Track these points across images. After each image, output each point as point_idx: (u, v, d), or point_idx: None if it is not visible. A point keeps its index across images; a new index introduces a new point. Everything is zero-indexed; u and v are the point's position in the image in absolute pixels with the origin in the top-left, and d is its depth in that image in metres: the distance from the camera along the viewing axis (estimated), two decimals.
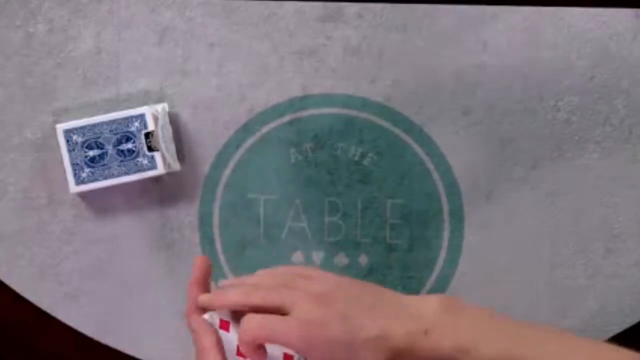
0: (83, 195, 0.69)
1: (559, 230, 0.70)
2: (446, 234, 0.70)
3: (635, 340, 0.70)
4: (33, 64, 0.69)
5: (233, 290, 0.50)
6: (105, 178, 0.67)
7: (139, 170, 0.67)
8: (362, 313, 0.48)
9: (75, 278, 0.70)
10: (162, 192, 0.70)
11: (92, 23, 0.69)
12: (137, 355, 0.70)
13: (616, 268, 0.70)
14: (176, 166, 0.68)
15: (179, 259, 0.70)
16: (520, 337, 0.48)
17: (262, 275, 0.52)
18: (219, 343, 0.50)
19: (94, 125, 0.67)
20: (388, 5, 0.69)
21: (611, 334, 0.70)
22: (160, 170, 0.67)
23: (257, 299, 0.49)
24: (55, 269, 0.70)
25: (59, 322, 0.70)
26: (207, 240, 0.70)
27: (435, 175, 0.70)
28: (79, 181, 0.67)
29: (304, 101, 0.69)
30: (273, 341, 0.48)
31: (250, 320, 0.48)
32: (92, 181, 0.67)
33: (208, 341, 0.49)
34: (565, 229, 0.70)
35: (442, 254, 0.70)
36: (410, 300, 0.50)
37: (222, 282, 0.54)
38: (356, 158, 0.69)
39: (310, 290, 0.49)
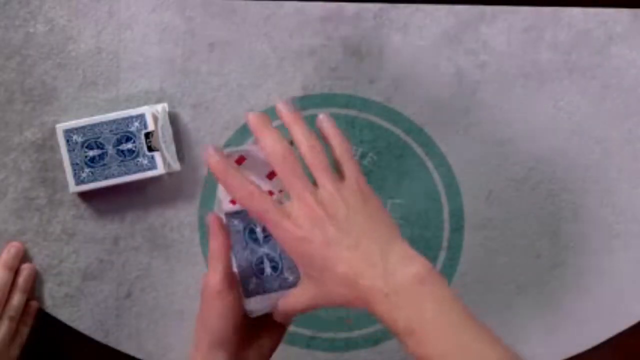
0: (83, 195, 0.69)
1: (559, 230, 0.70)
2: (446, 234, 0.70)
3: (636, 340, 0.70)
4: (33, 64, 0.69)
5: (275, 136, 0.52)
6: (105, 178, 0.67)
7: (139, 170, 0.67)
8: (345, 247, 0.49)
9: (75, 278, 0.70)
10: (162, 192, 0.70)
11: (92, 23, 0.69)
12: (137, 355, 0.70)
13: (616, 268, 0.70)
14: (176, 166, 0.68)
15: (179, 259, 0.70)
16: (462, 346, 0.46)
17: (303, 144, 0.53)
18: (226, 247, 0.54)
19: (94, 125, 0.67)
20: (388, 5, 0.69)
21: (611, 334, 0.70)
22: (160, 170, 0.67)
23: (280, 167, 0.51)
24: (55, 269, 0.70)
25: (59, 322, 0.70)
26: (207, 241, 0.70)
27: (435, 175, 0.70)
28: (79, 181, 0.67)
29: (304, 101, 0.69)
30: (259, 218, 0.51)
31: (254, 194, 0.50)
32: (92, 181, 0.67)
33: (216, 244, 0.54)
34: (565, 228, 0.70)
35: (442, 254, 0.70)
36: (398, 253, 0.49)
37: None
38: (356, 158, 0.69)
39: (319, 195, 0.50)
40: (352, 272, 0.49)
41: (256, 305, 0.55)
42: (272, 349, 0.57)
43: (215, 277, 0.54)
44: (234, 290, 0.54)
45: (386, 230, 0.51)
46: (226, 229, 0.55)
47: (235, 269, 0.56)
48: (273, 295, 0.55)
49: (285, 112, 0.54)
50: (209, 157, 0.52)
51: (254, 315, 0.55)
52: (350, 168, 0.53)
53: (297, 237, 0.50)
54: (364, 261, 0.49)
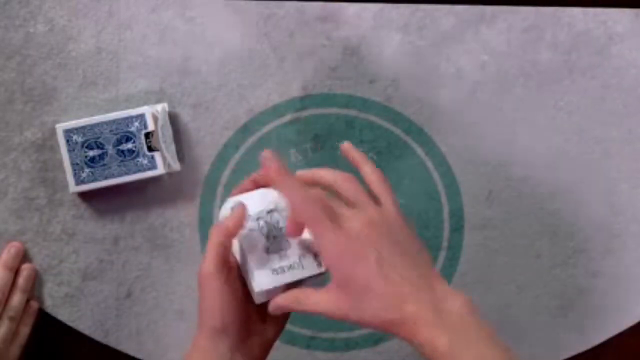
0: (83, 195, 0.69)
1: (559, 230, 0.70)
2: (446, 234, 0.70)
3: (636, 340, 0.70)
4: (33, 64, 0.69)
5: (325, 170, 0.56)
6: (105, 178, 0.67)
7: (139, 170, 0.67)
8: (393, 269, 0.49)
9: (75, 278, 0.70)
10: (162, 192, 0.70)
11: (92, 23, 0.69)
12: (137, 355, 0.70)
13: (616, 268, 0.70)
14: (176, 166, 0.68)
15: (179, 259, 0.70)
16: None
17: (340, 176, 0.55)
18: (221, 245, 0.54)
19: (94, 125, 0.67)
20: (388, 5, 0.69)
21: (611, 334, 0.70)
22: (160, 170, 0.67)
23: (340, 185, 0.54)
24: (55, 269, 0.70)
25: (59, 322, 0.70)
26: (207, 241, 0.70)
27: (435, 175, 0.70)
28: (79, 181, 0.67)
29: (304, 101, 0.69)
30: (309, 226, 0.52)
31: (312, 202, 0.52)
32: (92, 181, 0.67)
33: (214, 237, 0.55)
34: (565, 228, 0.70)
35: (442, 254, 0.70)
36: (441, 282, 0.50)
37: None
38: None
39: (369, 216, 0.51)
40: (399, 295, 0.48)
41: (263, 287, 0.55)
42: (275, 337, 0.57)
43: (207, 259, 0.54)
44: (229, 272, 0.55)
45: (425, 258, 0.52)
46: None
47: (240, 250, 0.56)
48: (282, 282, 0.55)
49: (297, 173, 0.56)
50: (268, 160, 0.53)
51: (259, 301, 0.55)
52: (387, 193, 0.54)
53: (346, 250, 0.50)
54: (411, 286, 0.49)
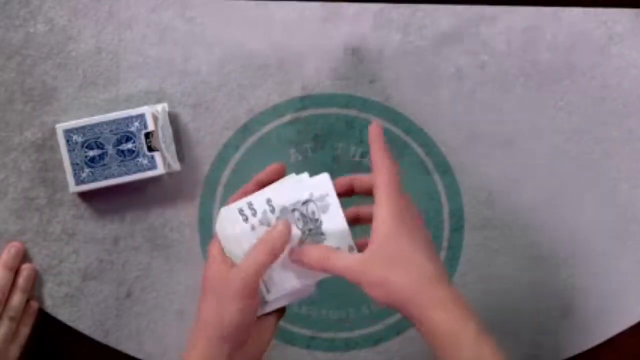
0: (83, 195, 0.69)
1: (559, 230, 0.70)
2: (446, 234, 0.70)
3: (636, 340, 0.70)
4: (33, 64, 0.69)
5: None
6: (105, 178, 0.67)
7: (139, 170, 0.67)
8: (422, 249, 0.53)
9: (75, 278, 0.70)
10: (162, 192, 0.70)
11: (92, 23, 0.69)
12: (137, 355, 0.70)
13: (616, 268, 0.70)
14: (176, 166, 0.68)
15: (179, 259, 0.70)
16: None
17: None
18: (263, 266, 0.54)
19: (94, 125, 0.67)
20: (388, 5, 0.69)
21: (612, 334, 0.70)
22: (160, 170, 0.67)
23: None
24: (55, 269, 0.70)
25: (59, 322, 0.70)
26: (207, 240, 0.70)
27: (435, 175, 0.70)
28: (79, 181, 0.67)
29: (304, 101, 0.69)
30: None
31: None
32: (92, 181, 0.67)
33: (258, 256, 0.54)
34: (565, 228, 0.70)
35: (442, 254, 0.70)
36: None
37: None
38: (356, 158, 0.69)
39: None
40: (424, 278, 0.52)
41: (276, 298, 0.56)
42: (270, 340, 0.58)
43: (243, 279, 0.53)
44: (256, 292, 0.55)
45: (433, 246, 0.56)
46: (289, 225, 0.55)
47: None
48: (315, 279, 0.56)
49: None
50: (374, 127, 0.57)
51: (267, 311, 0.56)
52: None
53: (405, 224, 0.53)
54: (434, 273, 0.52)
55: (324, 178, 0.55)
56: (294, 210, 0.55)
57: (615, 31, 0.69)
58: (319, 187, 0.55)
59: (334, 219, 0.55)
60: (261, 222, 0.55)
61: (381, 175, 0.54)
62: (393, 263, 0.52)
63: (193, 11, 0.69)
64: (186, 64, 0.69)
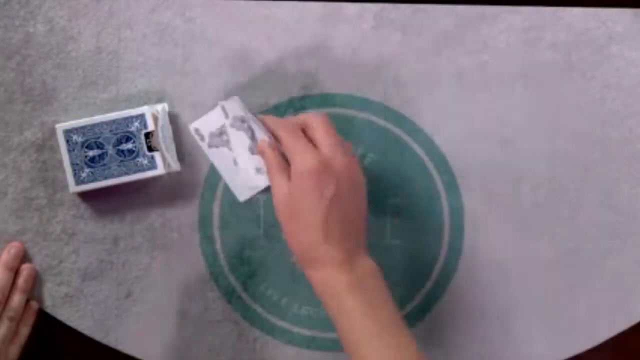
0: (83, 195, 0.69)
1: (558, 230, 0.70)
2: (446, 234, 0.70)
3: (636, 340, 0.70)
4: (33, 64, 0.69)
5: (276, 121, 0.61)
6: (105, 178, 0.67)
7: (139, 170, 0.67)
8: (341, 217, 0.57)
9: (75, 278, 0.70)
10: (162, 192, 0.70)
11: (92, 23, 0.69)
12: (137, 355, 0.70)
13: (616, 268, 0.70)
14: (176, 166, 0.68)
15: (179, 259, 0.70)
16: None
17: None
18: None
19: (94, 125, 0.67)
20: (388, 5, 0.69)
21: (612, 334, 0.70)
22: (160, 170, 0.67)
23: (283, 135, 0.59)
24: (55, 269, 0.70)
25: (59, 322, 0.70)
26: (207, 240, 0.70)
27: (435, 175, 0.70)
28: (79, 181, 0.67)
29: (304, 101, 0.69)
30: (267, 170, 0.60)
31: (267, 149, 0.60)
32: (92, 181, 0.67)
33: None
34: (565, 228, 0.70)
35: (442, 254, 0.70)
36: (364, 247, 0.59)
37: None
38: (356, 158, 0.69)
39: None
40: (325, 240, 0.56)
41: (249, 184, 0.63)
42: None
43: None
44: None
45: (360, 226, 0.59)
46: None
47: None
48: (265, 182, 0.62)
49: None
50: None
51: (244, 198, 0.63)
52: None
53: (310, 175, 0.56)
54: (340, 239, 0.56)
55: (235, 100, 0.63)
56: (243, 121, 0.62)
57: (615, 31, 0.69)
58: (232, 110, 0.63)
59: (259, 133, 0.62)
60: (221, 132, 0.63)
61: (317, 128, 0.59)
62: (294, 216, 0.57)
63: (193, 11, 0.69)
64: (186, 64, 0.69)
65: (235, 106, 0.63)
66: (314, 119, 0.59)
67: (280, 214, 0.58)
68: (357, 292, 0.55)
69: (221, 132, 0.63)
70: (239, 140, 0.62)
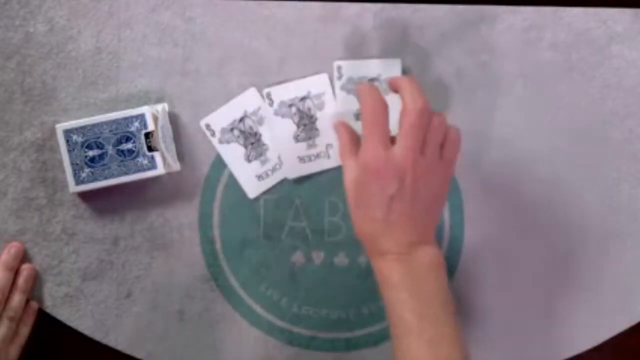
0: (83, 195, 0.69)
1: (558, 230, 0.70)
2: (446, 234, 0.70)
3: (636, 340, 0.70)
4: (33, 64, 0.69)
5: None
6: (105, 178, 0.67)
7: (139, 170, 0.67)
8: (407, 206, 0.57)
9: (75, 278, 0.70)
10: (162, 192, 0.70)
11: (92, 23, 0.69)
12: (137, 355, 0.70)
13: (616, 268, 0.70)
14: (176, 166, 0.68)
15: (178, 259, 0.70)
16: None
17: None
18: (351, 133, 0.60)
19: (94, 125, 0.67)
20: (388, 5, 0.69)
21: (611, 334, 0.70)
22: (160, 170, 0.67)
23: (365, 113, 0.57)
24: (55, 269, 0.70)
25: (59, 322, 0.70)
26: (207, 240, 0.70)
27: None
28: (79, 181, 0.67)
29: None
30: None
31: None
32: (92, 181, 0.67)
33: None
34: (564, 228, 0.70)
35: (443, 253, 0.70)
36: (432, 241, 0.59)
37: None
38: None
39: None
40: (390, 228, 0.57)
41: (289, 175, 0.64)
42: None
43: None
44: None
45: (434, 214, 0.59)
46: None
47: None
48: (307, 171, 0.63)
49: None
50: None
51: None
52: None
53: (384, 165, 0.56)
54: (406, 226, 0.57)
55: (323, 77, 0.58)
56: (291, 105, 0.57)
57: (615, 31, 0.69)
58: (317, 85, 0.57)
59: (329, 117, 0.57)
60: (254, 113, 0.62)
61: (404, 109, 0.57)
62: (359, 203, 0.57)
63: (193, 11, 0.69)
64: (186, 64, 0.69)
65: (321, 83, 0.60)
66: (404, 85, 0.58)
67: (348, 197, 0.58)
68: (409, 285, 0.56)
69: (232, 128, 0.62)
70: (287, 127, 0.60)
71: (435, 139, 0.58)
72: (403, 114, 0.57)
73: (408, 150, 0.56)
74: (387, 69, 0.60)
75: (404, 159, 0.56)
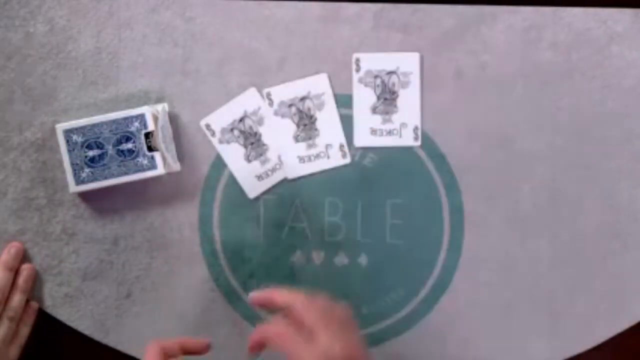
0: (83, 195, 0.69)
1: (558, 230, 0.70)
2: (446, 234, 0.70)
3: (636, 340, 0.70)
4: (33, 64, 0.69)
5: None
6: (105, 178, 0.67)
7: (139, 170, 0.67)
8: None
9: (75, 278, 0.70)
10: (162, 192, 0.70)
11: (92, 23, 0.69)
12: (137, 355, 0.70)
13: (616, 268, 0.70)
14: (176, 166, 0.68)
15: (178, 259, 0.70)
16: None
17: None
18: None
19: (94, 125, 0.67)
20: (388, 5, 0.69)
21: (612, 334, 0.70)
22: (160, 170, 0.67)
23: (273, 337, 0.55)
24: (55, 269, 0.70)
25: (59, 322, 0.70)
26: (207, 240, 0.70)
27: (435, 175, 0.70)
28: (79, 181, 0.67)
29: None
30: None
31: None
32: (92, 181, 0.67)
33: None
34: (565, 228, 0.70)
35: (442, 254, 0.70)
36: None
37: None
38: (356, 158, 0.69)
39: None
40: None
41: (289, 175, 0.62)
42: None
43: None
44: None
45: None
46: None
47: None
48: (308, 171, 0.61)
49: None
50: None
51: None
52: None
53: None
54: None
55: (322, 77, 0.57)
56: (291, 105, 0.57)
57: (615, 31, 0.69)
58: (317, 85, 0.57)
59: (328, 117, 0.57)
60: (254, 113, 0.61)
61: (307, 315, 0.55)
62: None
63: (193, 11, 0.69)
64: (186, 64, 0.69)
65: (321, 83, 0.59)
66: (294, 305, 0.56)
67: None
68: None
69: (232, 128, 0.62)
70: (287, 127, 0.60)
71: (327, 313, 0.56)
72: (293, 312, 0.56)
73: (329, 331, 0.54)
74: (405, 62, 0.60)
75: (331, 347, 0.54)
